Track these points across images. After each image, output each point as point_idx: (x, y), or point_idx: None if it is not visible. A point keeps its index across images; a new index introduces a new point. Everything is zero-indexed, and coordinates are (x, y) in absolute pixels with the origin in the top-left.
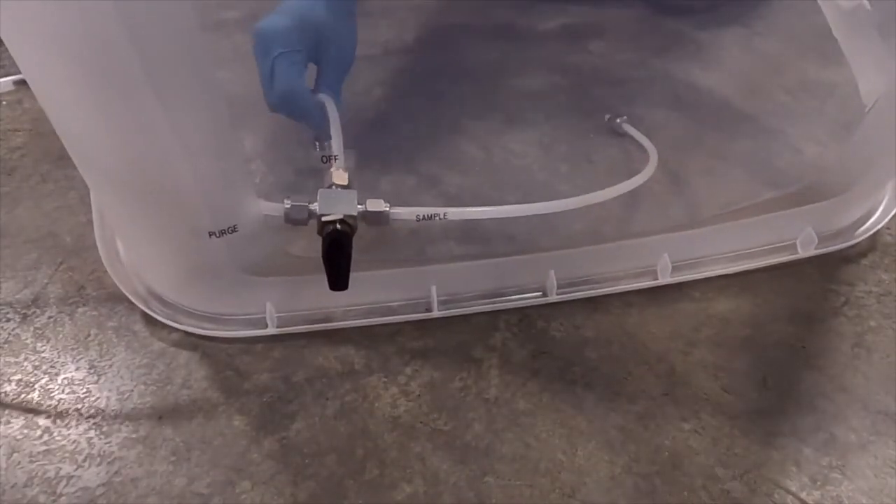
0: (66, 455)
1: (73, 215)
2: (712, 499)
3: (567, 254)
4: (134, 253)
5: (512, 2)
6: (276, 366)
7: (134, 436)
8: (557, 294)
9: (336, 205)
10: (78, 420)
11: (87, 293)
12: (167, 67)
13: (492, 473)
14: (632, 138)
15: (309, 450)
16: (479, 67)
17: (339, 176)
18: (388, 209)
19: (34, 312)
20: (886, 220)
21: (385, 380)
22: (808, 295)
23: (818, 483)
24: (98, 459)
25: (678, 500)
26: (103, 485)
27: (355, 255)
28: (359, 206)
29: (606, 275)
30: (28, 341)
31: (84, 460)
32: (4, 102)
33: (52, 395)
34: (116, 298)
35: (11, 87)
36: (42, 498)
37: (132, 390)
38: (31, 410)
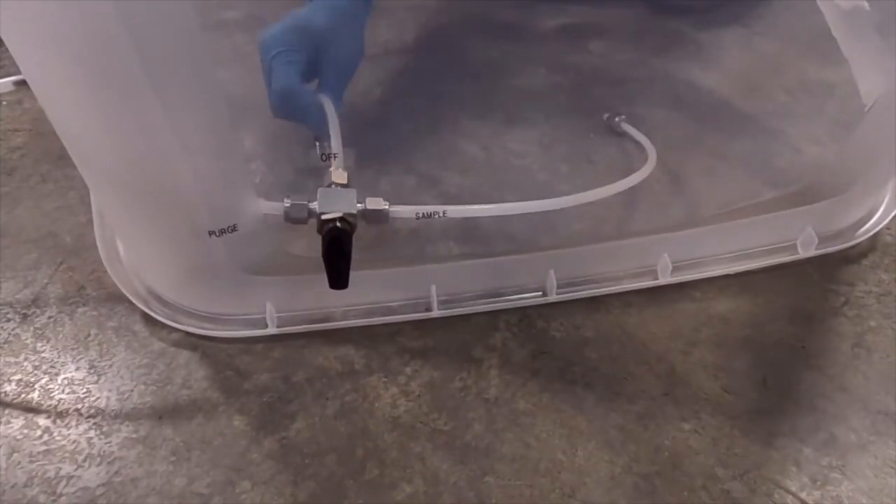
0: (66, 455)
1: (73, 215)
2: (712, 499)
3: (567, 253)
4: (134, 253)
5: (512, 2)
6: (276, 366)
7: (134, 436)
8: (557, 294)
9: (336, 203)
10: (78, 420)
11: (87, 293)
12: (167, 67)
13: (492, 473)
14: (632, 138)
15: (309, 450)
16: (479, 67)
17: (339, 175)
18: (387, 207)
19: (34, 312)
20: (887, 220)
21: (385, 380)
22: (808, 295)
23: (818, 483)
24: (98, 459)
25: (678, 500)
26: (103, 485)
27: (355, 255)
28: (358, 205)
29: (606, 274)
30: (28, 341)
31: (84, 460)
32: (4, 102)
33: (52, 395)
34: (116, 298)
35: (11, 88)
36: (42, 498)
37: (132, 390)
38: (31, 410)
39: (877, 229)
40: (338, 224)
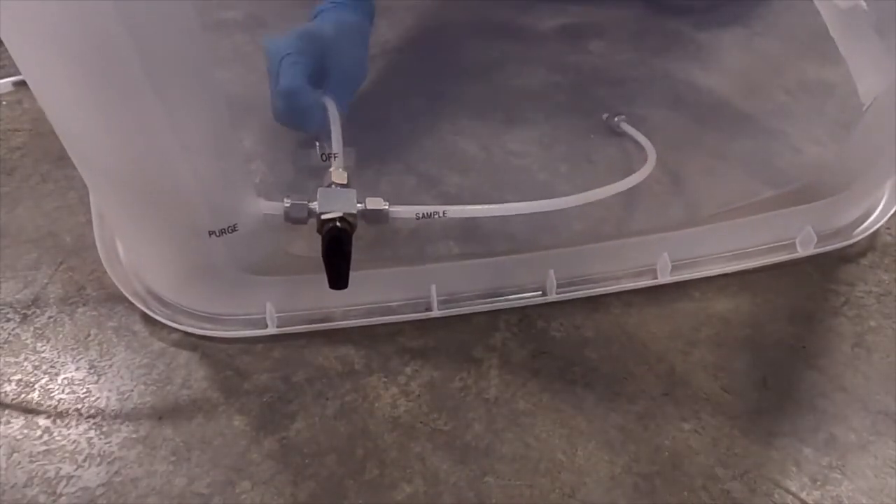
0: (66, 455)
1: (73, 215)
2: (712, 499)
3: (567, 253)
4: (133, 253)
5: (512, 2)
6: (276, 366)
7: (134, 436)
8: (557, 293)
9: (335, 203)
10: (78, 420)
11: (87, 293)
12: (167, 67)
13: (492, 473)
14: (632, 138)
15: (309, 450)
16: (479, 67)
17: (339, 174)
18: (387, 207)
19: (34, 312)
20: (885, 218)
21: (385, 380)
22: (807, 295)
23: (818, 483)
24: (98, 459)
25: (678, 500)
26: (103, 485)
27: (355, 255)
28: (358, 205)
29: (606, 274)
30: (28, 341)
31: (84, 460)
32: (4, 102)
33: (52, 395)
34: (116, 298)
35: (11, 88)
36: (42, 498)
37: (132, 390)
38: (31, 410)
39: (875, 227)
40: (338, 224)
